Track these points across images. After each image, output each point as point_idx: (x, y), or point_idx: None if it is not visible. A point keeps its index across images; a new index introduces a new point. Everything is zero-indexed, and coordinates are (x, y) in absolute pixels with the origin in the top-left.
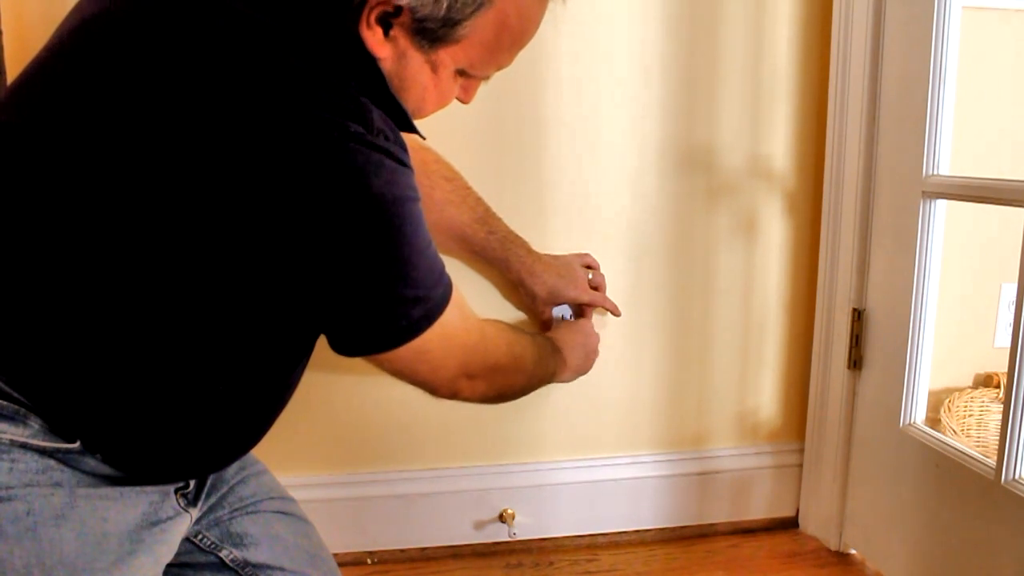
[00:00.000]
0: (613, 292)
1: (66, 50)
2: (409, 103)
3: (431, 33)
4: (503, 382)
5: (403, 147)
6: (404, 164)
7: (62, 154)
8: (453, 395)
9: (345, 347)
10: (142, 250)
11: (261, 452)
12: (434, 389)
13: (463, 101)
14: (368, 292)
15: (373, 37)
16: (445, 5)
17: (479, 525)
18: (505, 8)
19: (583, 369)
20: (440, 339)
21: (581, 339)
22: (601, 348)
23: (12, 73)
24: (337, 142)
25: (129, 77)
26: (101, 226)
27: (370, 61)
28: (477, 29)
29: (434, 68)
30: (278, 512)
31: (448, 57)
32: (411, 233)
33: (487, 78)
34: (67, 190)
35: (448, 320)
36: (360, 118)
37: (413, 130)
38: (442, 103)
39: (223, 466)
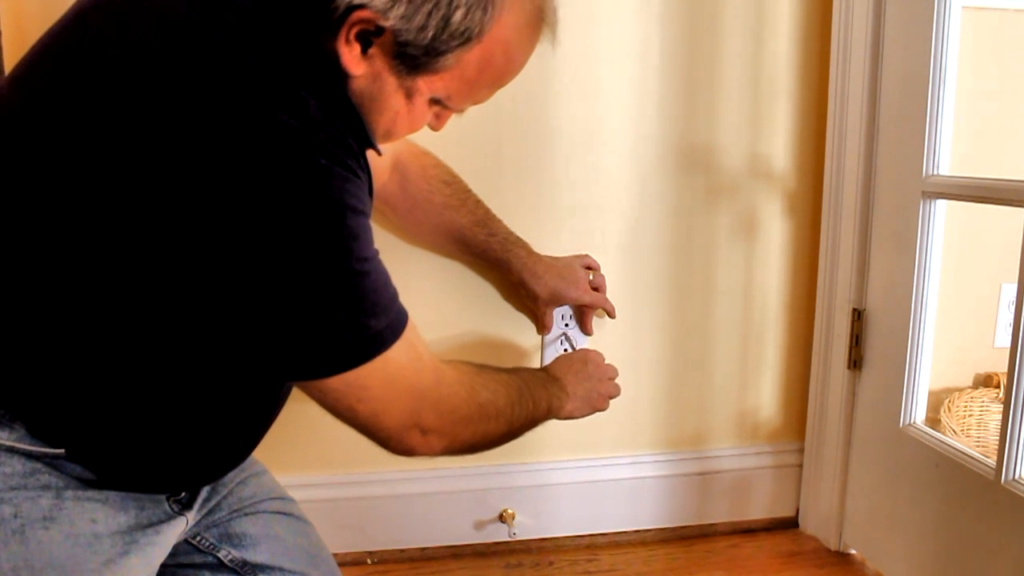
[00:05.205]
0: (613, 293)
1: (47, 41)
2: (379, 126)
3: (411, 60)
4: (469, 434)
5: (350, 153)
6: (344, 167)
7: (32, 151)
8: (408, 451)
9: (268, 366)
10: (92, 255)
11: (261, 453)
12: (382, 440)
13: (434, 129)
14: (279, 303)
15: (350, 53)
16: (431, 34)
17: (479, 525)
18: (492, 47)
19: (592, 399)
20: (383, 377)
21: (579, 366)
22: (601, 348)
23: None
24: (256, 128)
25: (88, 69)
26: (59, 227)
27: (334, 72)
28: (460, 63)
29: (408, 95)
30: (277, 512)
31: (425, 86)
32: (340, 245)
33: (461, 111)
34: (37, 190)
35: (394, 357)
36: (293, 110)
37: (372, 146)
38: (413, 129)
39: (206, 482)
